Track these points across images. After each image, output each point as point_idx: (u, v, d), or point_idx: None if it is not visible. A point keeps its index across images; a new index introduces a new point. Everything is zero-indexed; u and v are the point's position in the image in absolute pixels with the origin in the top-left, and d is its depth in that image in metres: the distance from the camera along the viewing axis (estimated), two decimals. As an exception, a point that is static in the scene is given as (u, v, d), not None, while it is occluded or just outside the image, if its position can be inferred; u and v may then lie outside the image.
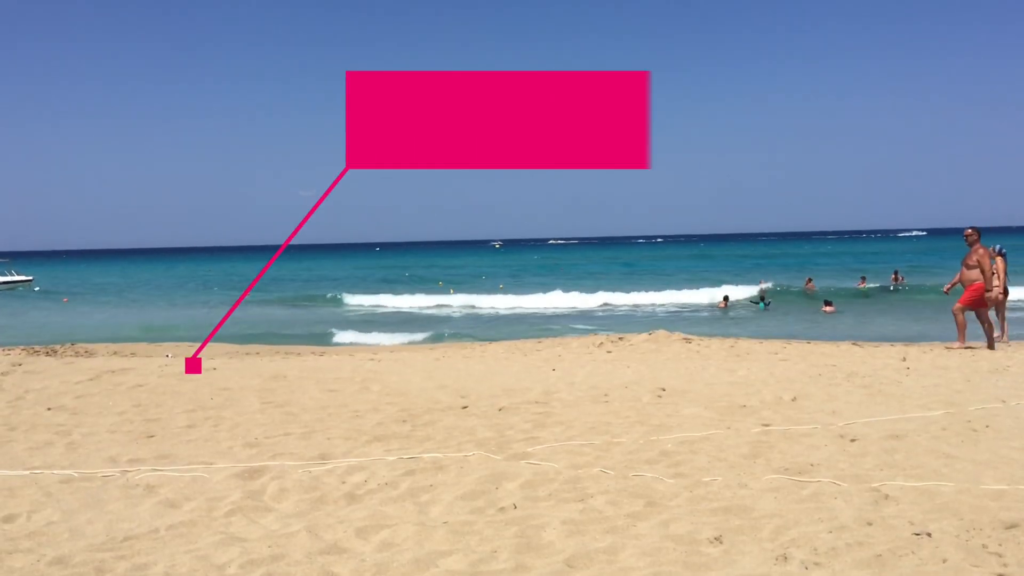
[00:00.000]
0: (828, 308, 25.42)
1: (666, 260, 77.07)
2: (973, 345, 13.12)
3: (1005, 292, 14.15)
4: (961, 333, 13.18)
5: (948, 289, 14.08)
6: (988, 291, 12.97)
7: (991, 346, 12.96)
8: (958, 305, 13.20)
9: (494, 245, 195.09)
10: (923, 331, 18.43)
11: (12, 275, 52.77)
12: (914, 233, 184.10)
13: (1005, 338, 13.69)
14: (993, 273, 13.37)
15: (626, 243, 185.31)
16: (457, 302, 33.03)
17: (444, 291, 37.27)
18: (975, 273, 13.06)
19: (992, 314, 13.50)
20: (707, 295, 31.08)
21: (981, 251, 13.07)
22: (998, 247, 14.16)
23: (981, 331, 13.34)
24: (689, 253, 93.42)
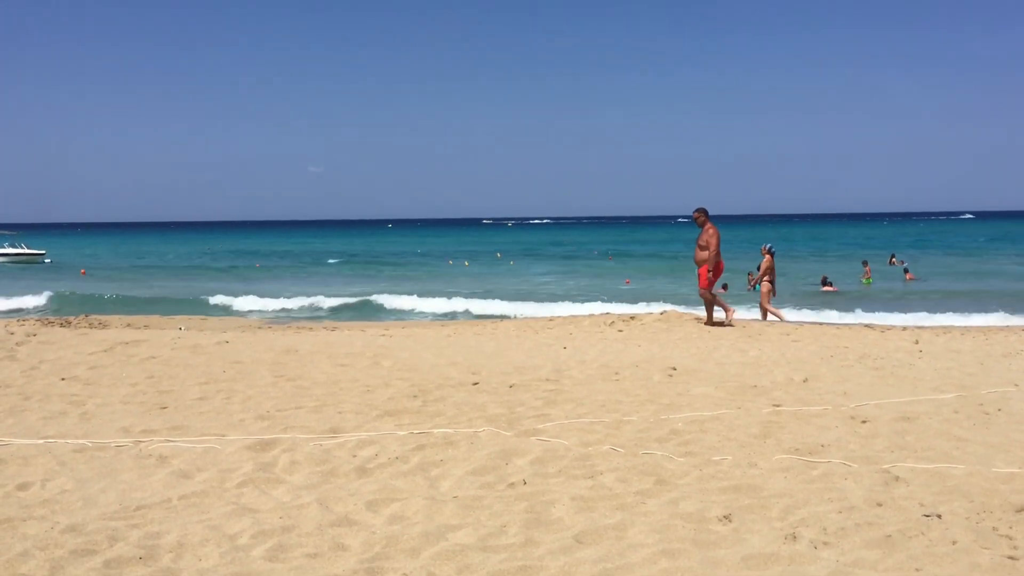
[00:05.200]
0: (828, 287, 26.34)
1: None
2: (723, 321, 13.31)
3: (772, 289, 15.47)
4: (708, 311, 13.40)
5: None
6: (711, 271, 13.20)
7: (710, 322, 13.41)
8: (702, 287, 13.35)
9: (507, 224, 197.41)
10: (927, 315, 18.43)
11: (22, 248, 52.98)
12: (964, 216, 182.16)
13: (731, 318, 13.61)
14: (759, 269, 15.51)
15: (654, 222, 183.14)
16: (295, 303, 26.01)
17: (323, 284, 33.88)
18: (705, 254, 13.25)
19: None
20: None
21: (711, 231, 13.22)
22: (768, 245, 15.82)
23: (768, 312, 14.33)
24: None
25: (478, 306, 24.34)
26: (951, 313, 19.03)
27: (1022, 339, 11.68)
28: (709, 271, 13.22)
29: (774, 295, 15.74)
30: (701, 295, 13.51)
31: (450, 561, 3.92)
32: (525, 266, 45.93)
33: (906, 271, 31.37)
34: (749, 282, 18.76)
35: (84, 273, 42.67)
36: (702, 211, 13.49)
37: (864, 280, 29.66)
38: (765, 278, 15.49)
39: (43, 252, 53.38)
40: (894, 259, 37.12)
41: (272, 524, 4.38)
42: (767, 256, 15.49)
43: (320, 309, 24.91)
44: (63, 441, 6.00)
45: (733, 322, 13.29)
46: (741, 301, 19.41)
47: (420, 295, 26.55)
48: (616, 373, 8.55)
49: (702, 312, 15.80)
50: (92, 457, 5.63)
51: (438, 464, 5.42)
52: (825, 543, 4.02)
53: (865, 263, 31.47)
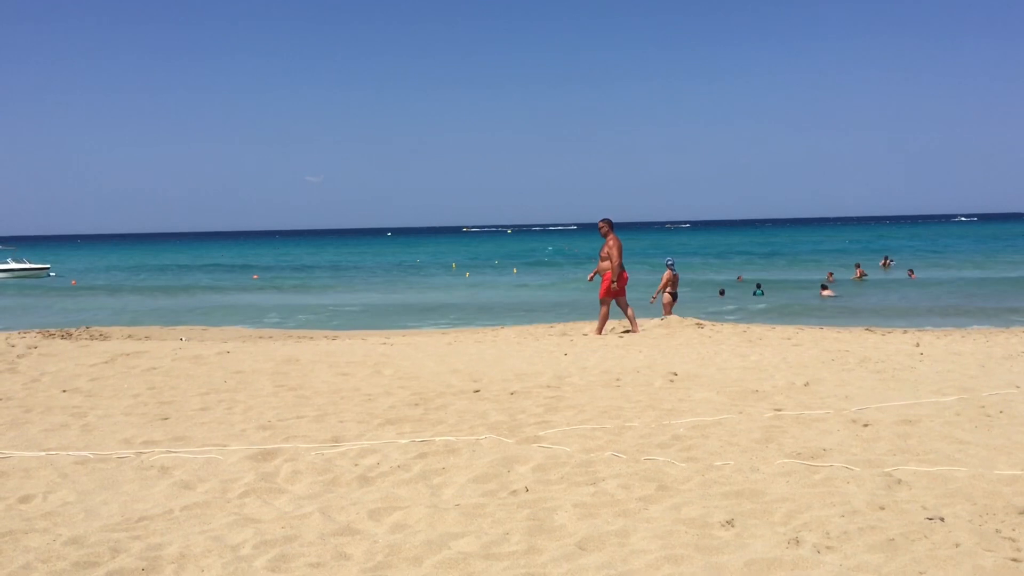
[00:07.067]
0: (826, 292, 26.81)
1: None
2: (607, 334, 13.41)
3: (673, 298, 16.68)
4: (601, 322, 13.50)
5: (591, 278, 14.31)
6: (614, 282, 13.29)
7: (634, 330, 13.52)
8: (601, 296, 13.45)
9: (507, 231, 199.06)
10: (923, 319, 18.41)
11: (25, 263, 53.04)
12: (961, 219, 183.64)
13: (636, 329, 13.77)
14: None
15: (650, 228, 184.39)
16: None
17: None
18: (607, 264, 13.34)
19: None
20: None
21: (611, 242, 13.32)
22: (669, 260, 17.01)
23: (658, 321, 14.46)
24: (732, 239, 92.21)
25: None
26: (952, 316, 19.13)
27: (1023, 341, 11.67)
28: (613, 281, 13.29)
29: (675, 303, 16.96)
30: (600, 301, 13.58)
31: (453, 569, 3.91)
32: (524, 274, 45.97)
33: (910, 271, 32.72)
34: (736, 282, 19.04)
35: (74, 283, 42.95)
36: (607, 222, 13.57)
37: (855, 278, 31.12)
38: (666, 289, 16.67)
39: (47, 266, 53.42)
40: (887, 260, 38.47)
41: (274, 534, 4.37)
42: (668, 270, 16.65)
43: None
44: (64, 453, 6.00)
45: (638, 329, 13.48)
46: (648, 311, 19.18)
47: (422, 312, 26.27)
48: (617, 379, 8.55)
49: (702, 318, 15.85)
50: (94, 469, 5.62)
51: (440, 472, 5.41)
52: (828, 547, 4.01)
53: (858, 265, 33.30)
